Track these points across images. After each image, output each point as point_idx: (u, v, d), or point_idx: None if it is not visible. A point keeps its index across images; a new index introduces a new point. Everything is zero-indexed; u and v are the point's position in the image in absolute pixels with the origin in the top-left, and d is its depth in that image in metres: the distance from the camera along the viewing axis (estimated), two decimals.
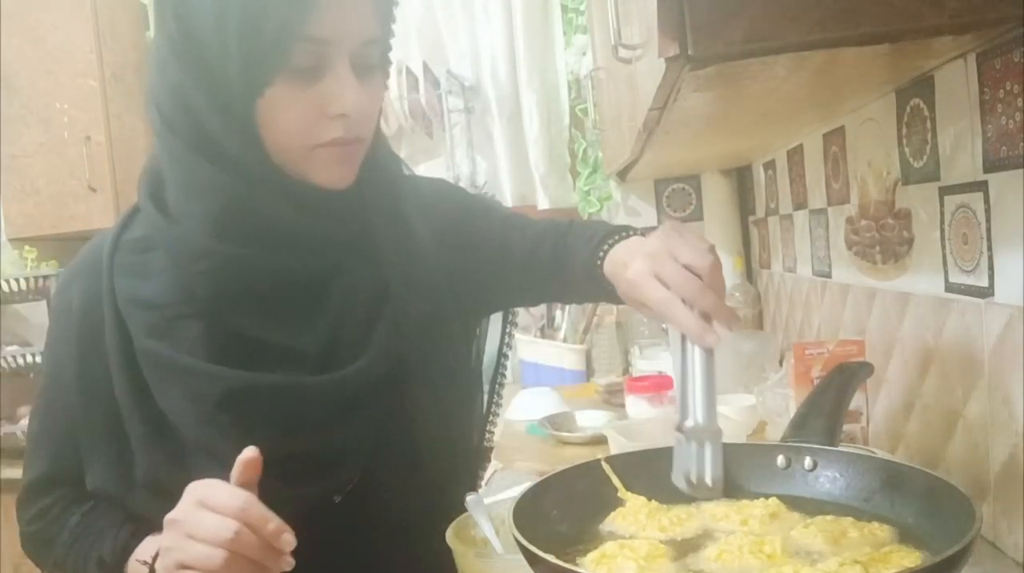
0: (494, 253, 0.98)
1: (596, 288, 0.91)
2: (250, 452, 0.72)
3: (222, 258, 0.79)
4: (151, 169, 0.85)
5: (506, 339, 1.11)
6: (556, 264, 0.96)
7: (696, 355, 0.74)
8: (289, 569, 0.71)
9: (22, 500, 0.91)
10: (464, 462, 1.01)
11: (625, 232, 0.90)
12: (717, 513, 0.78)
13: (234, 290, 0.80)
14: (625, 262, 0.81)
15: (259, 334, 0.81)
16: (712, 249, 0.76)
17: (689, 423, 0.74)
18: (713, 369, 0.74)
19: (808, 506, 0.78)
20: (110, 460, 0.84)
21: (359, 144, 0.81)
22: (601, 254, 0.89)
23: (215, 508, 0.69)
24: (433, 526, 0.87)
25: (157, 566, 0.74)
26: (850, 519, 0.72)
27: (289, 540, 0.69)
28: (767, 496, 0.80)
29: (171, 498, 0.74)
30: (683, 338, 0.74)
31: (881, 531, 0.71)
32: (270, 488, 0.76)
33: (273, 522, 0.69)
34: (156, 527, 0.76)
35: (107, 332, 0.82)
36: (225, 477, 0.73)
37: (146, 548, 0.76)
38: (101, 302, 0.83)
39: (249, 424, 0.80)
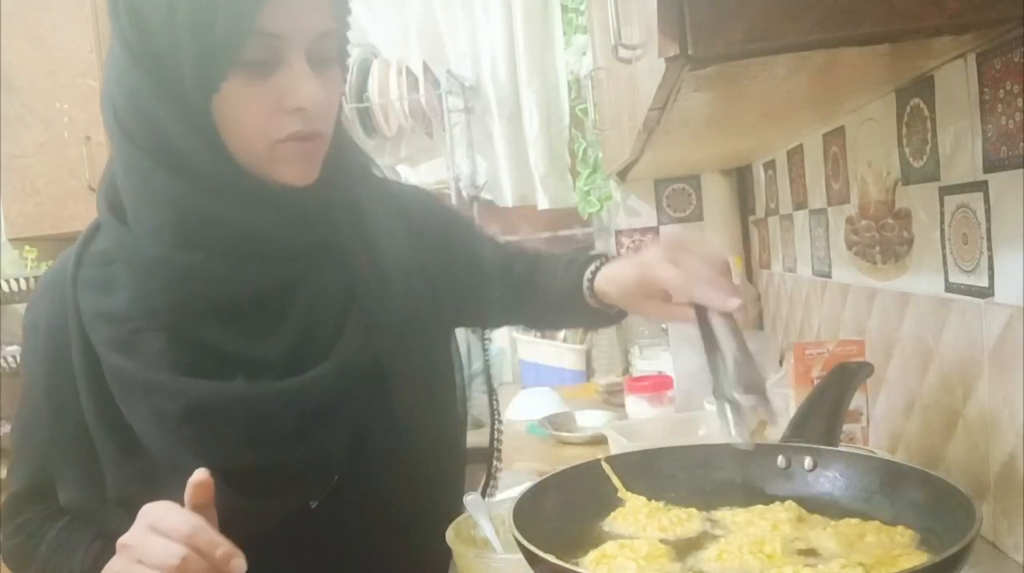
0: (470, 260, 0.98)
1: (576, 308, 0.93)
2: (200, 474, 0.70)
3: (180, 269, 0.78)
4: (109, 179, 0.83)
5: (485, 346, 1.12)
6: (531, 283, 0.97)
7: (722, 325, 0.75)
8: None
9: (4, 512, 0.89)
10: (455, 460, 1.00)
11: (607, 256, 0.93)
12: (739, 519, 0.77)
13: (194, 301, 0.79)
14: (636, 259, 0.83)
15: (222, 345, 0.80)
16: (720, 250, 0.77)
17: (727, 390, 0.74)
18: (740, 330, 0.75)
19: (808, 506, 0.78)
20: (80, 476, 0.83)
21: (319, 139, 0.79)
22: (593, 269, 0.91)
23: (164, 532, 0.68)
24: (428, 525, 0.87)
25: None
26: (876, 523, 0.72)
27: (239, 565, 0.68)
28: (769, 497, 0.80)
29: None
30: (702, 317, 0.76)
31: (902, 536, 0.70)
32: (239, 502, 0.76)
33: (222, 547, 0.68)
34: None
35: (73, 348, 0.81)
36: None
37: (111, 567, 0.74)
38: (67, 319, 0.82)
39: (214, 437, 0.79)
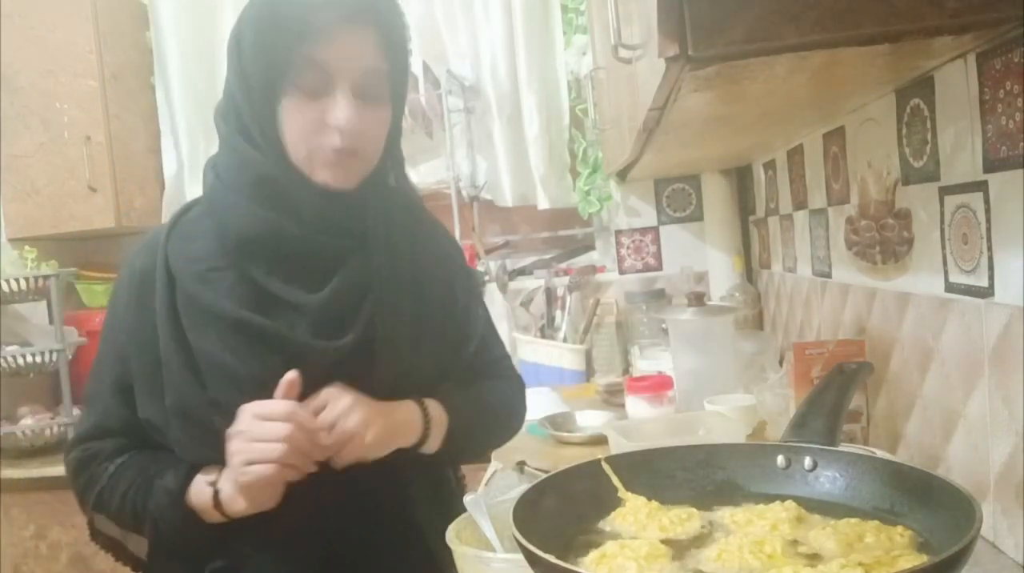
0: (458, 317, 1.10)
1: None
2: (292, 374, 0.91)
3: (249, 215, 0.95)
4: (212, 161, 1.02)
5: None
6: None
7: None
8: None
9: (72, 446, 1.03)
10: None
11: None
12: (738, 519, 0.77)
13: (257, 245, 0.95)
14: None
15: (276, 291, 0.96)
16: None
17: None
18: None
19: (808, 506, 0.78)
20: (155, 394, 0.97)
21: (355, 157, 0.96)
22: None
23: (269, 416, 0.89)
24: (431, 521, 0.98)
25: (222, 477, 0.92)
26: (875, 523, 0.72)
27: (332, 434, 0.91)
28: (769, 497, 0.80)
29: (191, 419, 0.93)
30: None
31: (902, 537, 0.69)
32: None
33: (316, 422, 0.90)
34: (190, 450, 0.95)
35: (157, 284, 0.97)
36: (242, 399, 0.92)
37: (229, 450, 0.90)
38: (155, 265, 0.98)
39: (258, 359, 0.94)
